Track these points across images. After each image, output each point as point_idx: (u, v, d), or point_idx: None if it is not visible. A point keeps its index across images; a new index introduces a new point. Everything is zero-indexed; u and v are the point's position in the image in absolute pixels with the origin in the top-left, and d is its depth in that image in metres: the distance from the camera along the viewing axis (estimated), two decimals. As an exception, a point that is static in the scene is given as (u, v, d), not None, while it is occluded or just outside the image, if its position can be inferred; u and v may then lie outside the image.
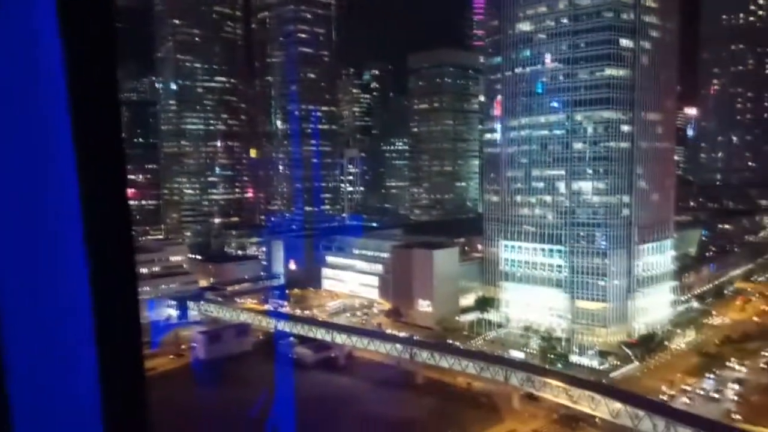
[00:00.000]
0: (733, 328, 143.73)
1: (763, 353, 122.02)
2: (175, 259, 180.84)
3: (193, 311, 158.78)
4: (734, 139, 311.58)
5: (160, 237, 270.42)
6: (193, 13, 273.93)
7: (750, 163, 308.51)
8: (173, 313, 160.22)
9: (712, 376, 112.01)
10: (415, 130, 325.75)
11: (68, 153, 4.04)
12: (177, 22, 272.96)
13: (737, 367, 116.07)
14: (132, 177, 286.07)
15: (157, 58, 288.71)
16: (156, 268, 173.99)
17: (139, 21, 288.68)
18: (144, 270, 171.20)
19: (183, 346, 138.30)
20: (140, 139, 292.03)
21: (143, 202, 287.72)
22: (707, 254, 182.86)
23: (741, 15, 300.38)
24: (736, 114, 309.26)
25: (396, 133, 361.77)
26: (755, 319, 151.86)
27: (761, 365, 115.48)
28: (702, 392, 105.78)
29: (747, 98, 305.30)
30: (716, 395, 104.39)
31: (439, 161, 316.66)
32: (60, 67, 3.93)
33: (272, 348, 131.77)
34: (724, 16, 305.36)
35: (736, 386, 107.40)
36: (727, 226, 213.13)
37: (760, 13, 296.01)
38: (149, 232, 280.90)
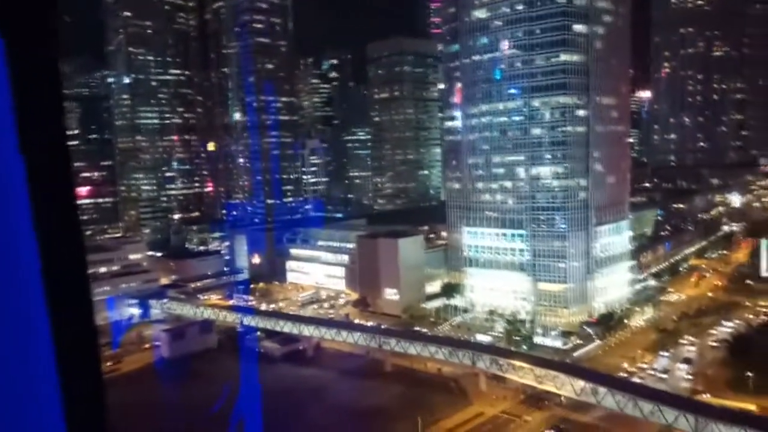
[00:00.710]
0: (688, 304, 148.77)
1: (718, 327, 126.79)
2: (134, 257, 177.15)
3: (155, 309, 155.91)
4: (686, 120, 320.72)
5: (118, 235, 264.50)
6: (145, 4, 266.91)
7: (701, 144, 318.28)
8: (134, 312, 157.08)
9: (670, 351, 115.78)
10: (377, 119, 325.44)
11: (14, 154, 3.91)
12: (128, 14, 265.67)
13: (694, 341, 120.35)
14: (86, 174, 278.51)
15: (108, 51, 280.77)
16: (115, 267, 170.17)
17: (89, 14, 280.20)
18: (102, 269, 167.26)
19: (146, 345, 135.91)
20: (94, 135, 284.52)
21: (99, 200, 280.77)
22: (662, 233, 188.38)
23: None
24: (687, 96, 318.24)
25: (357, 123, 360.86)
26: (709, 294, 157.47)
27: (713, 341, 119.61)
28: (661, 367, 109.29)
29: (697, 80, 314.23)
30: (674, 370, 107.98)
31: (402, 150, 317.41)
32: (2, 66, 3.82)
33: (238, 343, 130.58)
34: (673, 1, 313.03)
35: (693, 360, 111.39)
36: (680, 206, 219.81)
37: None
38: (107, 230, 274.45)
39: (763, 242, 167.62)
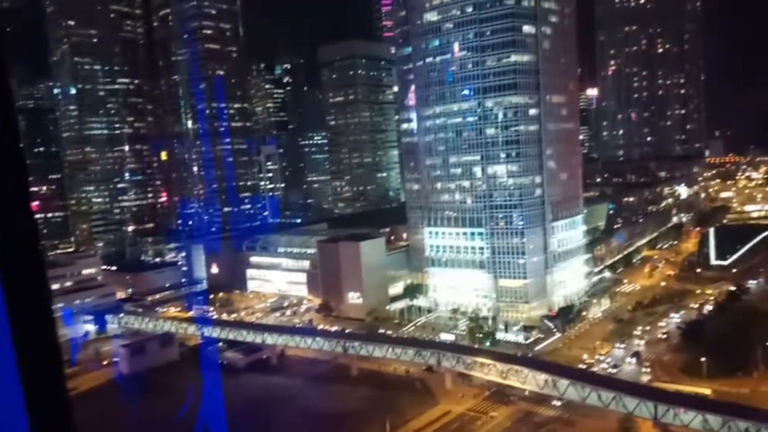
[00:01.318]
0: (642, 293, 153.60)
1: (666, 319, 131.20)
2: (88, 271, 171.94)
3: (113, 325, 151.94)
4: (632, 116, 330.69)
5: (71, 250, 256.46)
6: (89, 12, 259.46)
7: (648, 138, 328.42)
8: (91, 328, 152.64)
9: (626, 340, 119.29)
10: (333, 123, 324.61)
11: None
12: (71, 23, 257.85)
13: (648, 329, 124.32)
14: (34, 189, 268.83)
15: (52, 61, 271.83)
16: (68, 283, 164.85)
17: (30, 23, 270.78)
18: (56, 286, 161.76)
19: (104, 362, 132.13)
20: (40, 149, 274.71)
21: (49, 215, 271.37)
22: (615, 226, 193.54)
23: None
24: (632, 92, 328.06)
25: (313, 127, 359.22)
26: (662, 284, 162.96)
27: (664, 332, 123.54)
28: (619, 356, 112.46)
29: (642, 77, 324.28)
30: (631, 358, 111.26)
31: (359, 153, 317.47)
32: None
33: (200, 355, 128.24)
34: (616, 0, 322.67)
35: (642, 354, 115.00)
36: (631, 199, 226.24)
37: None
38: (58, 245, 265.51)
39: (711, 232, 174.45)
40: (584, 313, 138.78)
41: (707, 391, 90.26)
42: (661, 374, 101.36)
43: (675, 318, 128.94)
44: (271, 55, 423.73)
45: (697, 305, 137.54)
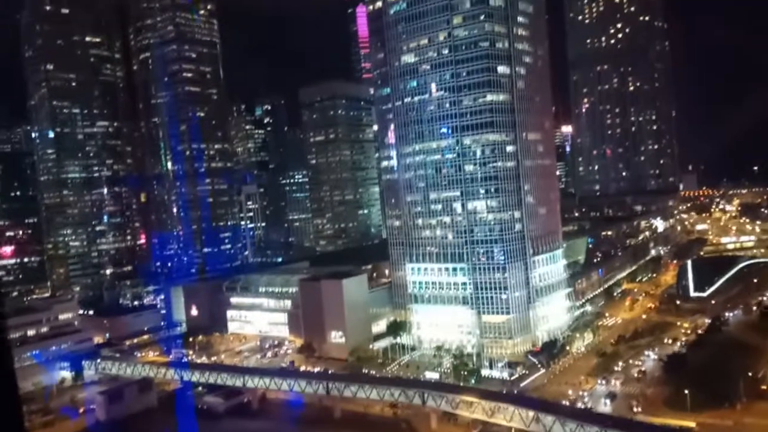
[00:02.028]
0: (624, 327, 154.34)
1: (655, 347, 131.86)
2: (64, 316, 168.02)
3: (90, 371, 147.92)
4: (607, 151, 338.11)
5: (47, 295, 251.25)
6: (68, 56, 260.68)
7: (624, 173, 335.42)
8: (67, 374, 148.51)
9: (610, 374, 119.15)
10: (313, 161, 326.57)
11: None
12: (50, 66, 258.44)
13: (632, 362, 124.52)
14: (10, 234, 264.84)
15: (30, 105, 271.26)
16: (44, 329, 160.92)
17: (7, 67, 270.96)
18: (31, 332, 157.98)
19: (81, 410, 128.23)
20: (17, 192, 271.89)
21: (25, 259, 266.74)
22: (595, 260, 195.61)
23: (603, 39, 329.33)
24: (606, 129, 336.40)
25: (294, 166, 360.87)
26: (643, 316, 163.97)
27: (646, 365, 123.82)
28: (603, 391, 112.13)
29: (615, 114, 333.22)
30: (616, 392, 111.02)
31: (340, 191, 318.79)
32: None
33: (179, 401, 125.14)
34: (588, 41, 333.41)
35: (632, 382, 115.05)
36: (609, 233, 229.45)
37: (619, 35, 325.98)
38: (34, 290, 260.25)
39: (689, 264, 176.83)
40: (568, 348, 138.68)
41: (692, 424, 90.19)
42: (646, 408, 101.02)
43: (657, 351, 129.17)
44: (252, 97, 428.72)
45: (677, 338, 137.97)
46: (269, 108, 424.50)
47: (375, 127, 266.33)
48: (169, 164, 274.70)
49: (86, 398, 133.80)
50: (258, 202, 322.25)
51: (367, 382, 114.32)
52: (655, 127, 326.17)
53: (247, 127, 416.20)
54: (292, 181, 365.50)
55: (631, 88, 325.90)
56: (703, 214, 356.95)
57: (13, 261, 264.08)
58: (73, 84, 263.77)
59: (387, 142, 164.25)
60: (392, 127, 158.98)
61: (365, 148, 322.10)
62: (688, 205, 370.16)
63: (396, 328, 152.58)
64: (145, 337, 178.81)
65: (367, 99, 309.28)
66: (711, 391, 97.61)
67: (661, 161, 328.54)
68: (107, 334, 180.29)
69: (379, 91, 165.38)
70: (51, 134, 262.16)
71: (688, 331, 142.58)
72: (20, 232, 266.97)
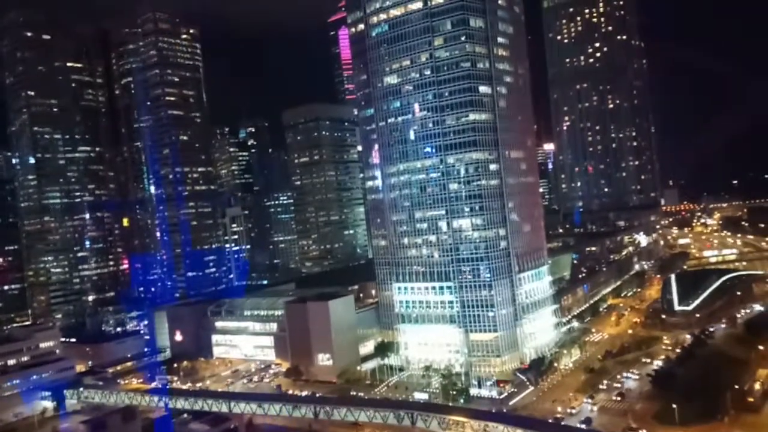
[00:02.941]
0: (611, 342, 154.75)
1: (643, 361, 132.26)
2: (46, 345, 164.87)
3: (72, 400, 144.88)
4: (589, 168, 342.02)
5: (28, 323, 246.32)
6: (49, 82, 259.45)
7: (606, 189, 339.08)
8: (49, 405, 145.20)
9: (598, 391, 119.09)
10: (298, 183, 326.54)
11: None
12: (31, 93, 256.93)
13: (619, 377, 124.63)
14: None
15: (11, 131, 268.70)
16: (25, 358, 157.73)
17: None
18: (11, 361, 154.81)
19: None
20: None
21: (5, 287, 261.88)
22: (580, 276, 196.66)
23: (582, 57, 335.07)
24: (587, 146, 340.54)
25: (279, 188, 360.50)
26: (629, 331, 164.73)
27: (634, 380, 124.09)
28: (592, 407, 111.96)
29: (596, 131, 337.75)
30: (605, 407, 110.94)
31: (325, 212, 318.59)
32: None
33: (164, 428, 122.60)
34: (567, 60, 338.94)
35: (620, 397, 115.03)
36: (593, 248, 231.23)
37: (598, 54, 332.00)
38: (14, 319, 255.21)
39: (672, 278, 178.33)
40: (555, 364, 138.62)
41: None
42: (635, 423, 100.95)
43: (637, 371, 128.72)
44: (236, 119, 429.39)
45: (658, 355, 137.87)
46: (253, 130, 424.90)
47: (359, 148, 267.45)
48: (152, 188, 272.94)
49: (68, 428, 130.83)
50: (242, 224, 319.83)
51: (355, 404, 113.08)
52: (635, 144, 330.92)
53: (231, 149, 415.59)
54: (276, 202, 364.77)
55: (611, 106, 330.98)
56: (685, 229, 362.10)
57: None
58: (55, 110, 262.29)
59: (371, 163, 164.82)
60: (376, 147, 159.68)
61: (350, 169, 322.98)
62: (670, 219, 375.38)
63: (384, 348, 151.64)
64: (129, 364, 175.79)
65: (350, 120, 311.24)
66: (699, 404, 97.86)
67: (642, 177, 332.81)
68: (90, 362, 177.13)
69: (363, 112, 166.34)
70: (32, 160, 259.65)
71: (670, 348, 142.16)
72: (0, 260, 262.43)
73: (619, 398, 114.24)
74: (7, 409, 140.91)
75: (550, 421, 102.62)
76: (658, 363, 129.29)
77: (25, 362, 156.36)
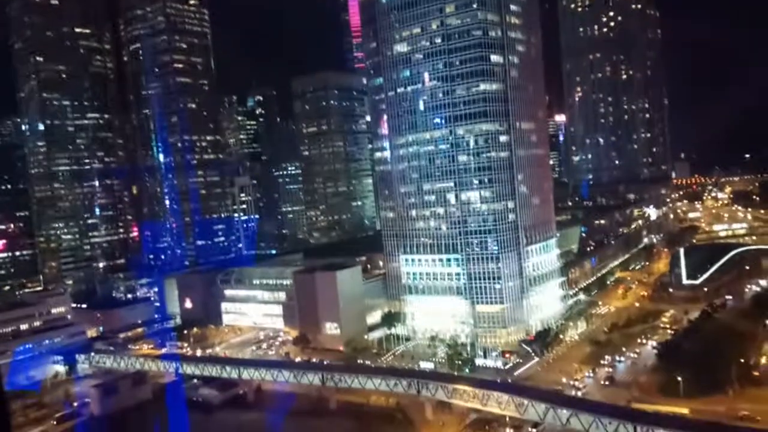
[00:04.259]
0: (618, 315, 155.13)
1: (648, 335, 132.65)
2: (57, 310, 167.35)
3: (84, 364, 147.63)
4: (600, 140, 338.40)
5: (39, 288, 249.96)
6: (58, 48, 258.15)
7: (616, 162, 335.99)
8: (61, 368, 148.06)
9: (603, 363, 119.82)
10: (306, 153, 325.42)
11: None
12: (40, 58, 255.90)
13: (624, 350, 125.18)
14: (1, 227, 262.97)
15: (20, 97, 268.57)
16: (37, 323, 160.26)
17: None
18: (24, 326, 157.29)
19: (75, 404, 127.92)
20: (7, 186, 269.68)
21: (16, 253, 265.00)
22: (588, 249, 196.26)
23: (595, 27, 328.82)
24: (599, 118, 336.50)
25: (287, 158, 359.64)
26: (636, 304, 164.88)
27: (639, 352, 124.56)
28: (596, 378, 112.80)
29: (608, 102, 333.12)
30: (609, 380, 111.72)
31: (333, 182, 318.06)
32: None
33: (174, 393, 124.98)
34: (580, 29, 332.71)
35: (626, 369, 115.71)
36: (602, 222, 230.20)
37: (612, 24, 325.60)
38: (26, 284, 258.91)
39: (681, 252, 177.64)
40: (561, 336, 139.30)
41: (685, 411, 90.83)
42: (639, 395, 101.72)
43: (650, 339, 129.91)
44: (244, 88, 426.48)
45: (670, 325, 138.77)
46: (261, 99, 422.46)
47: (368, 118, 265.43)
48: (161, 156, 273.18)
49: (80, 392, 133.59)
50: (251, 194, 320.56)
51: (362, 372, 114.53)
52: (647, 116, 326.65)
53: (239, 118, 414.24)
54: (285, 172, 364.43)
55: (624, 77, 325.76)
56: (696, 202, 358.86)
57: (4, 255, 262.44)
58: (63, 76, 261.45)
59: (380, 133, 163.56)
60: (385, 117, 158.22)
61: (358, 139, 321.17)
62: (681, 193, 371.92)
63: (390, 318, 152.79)
64: (139, 330, 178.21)
65: (359, 89, 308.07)
66: (704, 378, 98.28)
67: (654, 149, 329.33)
68: (101, 328, 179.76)
69: (372, 81, 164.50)
70: (41, 126, 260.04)
71: (668, 325, 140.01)
72: (11, 226, 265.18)
73: (607, 383, 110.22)
74: (20, 373, 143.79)
75: (554, 390, 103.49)
76: (652, 343, 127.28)
77: (37, 327, 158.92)
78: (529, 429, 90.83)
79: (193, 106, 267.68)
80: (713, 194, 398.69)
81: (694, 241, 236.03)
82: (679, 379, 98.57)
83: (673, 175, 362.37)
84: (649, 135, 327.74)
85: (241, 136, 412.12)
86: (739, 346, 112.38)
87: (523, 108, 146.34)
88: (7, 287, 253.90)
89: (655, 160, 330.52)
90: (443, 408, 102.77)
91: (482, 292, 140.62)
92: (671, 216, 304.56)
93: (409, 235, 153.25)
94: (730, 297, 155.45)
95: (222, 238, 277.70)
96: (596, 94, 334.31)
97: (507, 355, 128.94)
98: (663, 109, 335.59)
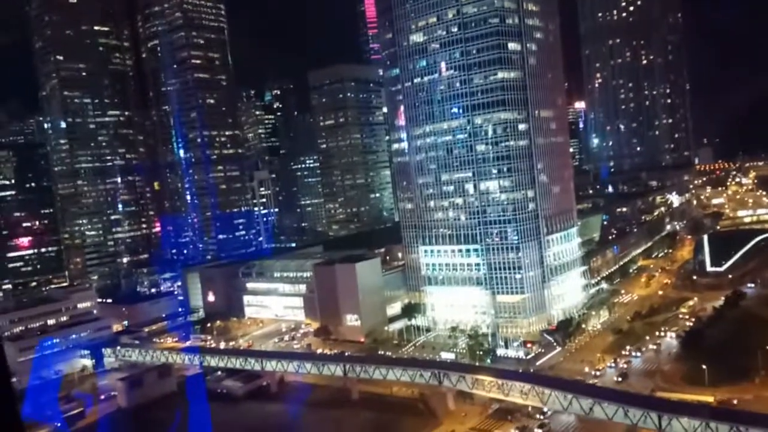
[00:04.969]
0: (640, 303, 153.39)
1: (671, 324, 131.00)
2: (83, 305, 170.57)
3: (110, 358, 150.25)
4: (621, 127, 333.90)
5: (65, 284, 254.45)
6: (77, 46, 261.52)
7: (638, 148, 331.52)
8: (87, 363, 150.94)
9: (627, 352, 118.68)
10: (324, 146, 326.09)
11: None
12: (60, 57, 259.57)
13: (648, 339, 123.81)
14: (26, 224, 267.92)
15: (42, 96, 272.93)
16: (63, 318, 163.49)
17: (18, 59, 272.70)
18: (51, 321, 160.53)
19: (102, 397, 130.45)
20: (32, 183, 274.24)
21: (42, 249, 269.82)
22: (610, 237, 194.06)
23: (615, 12, 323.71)
24: (620, 104, 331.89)
25: (305, 151, 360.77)
26: (659, 292, 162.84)
27: (664, 341, 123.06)
28: (620, 368, 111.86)
29: (628, 88, 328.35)
30: (633, 369, 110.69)
31: (351, 175, 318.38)
32: None
33: (198, 385, 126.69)
34: (599, 14, 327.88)
35: (649, 358, 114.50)
36: (624, 209, 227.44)
37: (631, 8, 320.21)
38: (52, 280, 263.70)
39: (705, 238, 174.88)
40: (584, 326, 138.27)
41: (710, 399, 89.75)
42: (664, 384, 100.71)
43: (669, 330, 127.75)
44: (261, 82, 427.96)
45: (689, 316, 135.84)
46: (278, 93, 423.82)
47: (385, 110, 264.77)
48: (181, 152, 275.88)
49: (107, 385, 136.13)
50: (270, 187, 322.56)
51: (383, 363, 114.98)
52: (669, 101, 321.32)
53: (257, 112, 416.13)
54: (303, 166, 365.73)
55: (645, 62, 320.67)
56: (719, 188, 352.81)
57: (30, 251, 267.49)
58: (83, 74, 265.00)
59: (397, 124, 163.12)
60: (402, 108, 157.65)
61: (375, 131, 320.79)
62: (704, 179, 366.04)
63: (411, 310, 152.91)
64: (163, 323, 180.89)
65: (376, 81, 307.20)
66: (729, 366, 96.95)
67: (676, 135, 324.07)
68: (125, 322, 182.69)
69: (388, 72, 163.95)
70: (63, 124, 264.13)
71: (687, 316, 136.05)
72: (36, 223, 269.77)
73: (620, 379, 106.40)
74: (48, 367, 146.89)
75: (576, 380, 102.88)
76: (671, 334, 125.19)
77: (63, 322, 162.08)
78: (535, 429, 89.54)
79: (212, 101, 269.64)
80: (737, 180, 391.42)
81: (718, 227, 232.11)
82: (704, 367, 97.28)
83: (696, 161, 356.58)
84: (670, 121, 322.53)
85: (260, 131, 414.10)
86: (764, 333, 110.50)
87: (541, 95, 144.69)
88: (33, 283, 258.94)
89: (678, 146, 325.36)
90: (465, 398, 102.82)
91: (503, 282, 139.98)
92: (694, 202, 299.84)
93: (427, 226, 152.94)
94: (752, 285, 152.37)
95: (242, 232, 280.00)
96: (616, 80, 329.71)
97: (529, 345, 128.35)
98: (685, 94, 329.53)
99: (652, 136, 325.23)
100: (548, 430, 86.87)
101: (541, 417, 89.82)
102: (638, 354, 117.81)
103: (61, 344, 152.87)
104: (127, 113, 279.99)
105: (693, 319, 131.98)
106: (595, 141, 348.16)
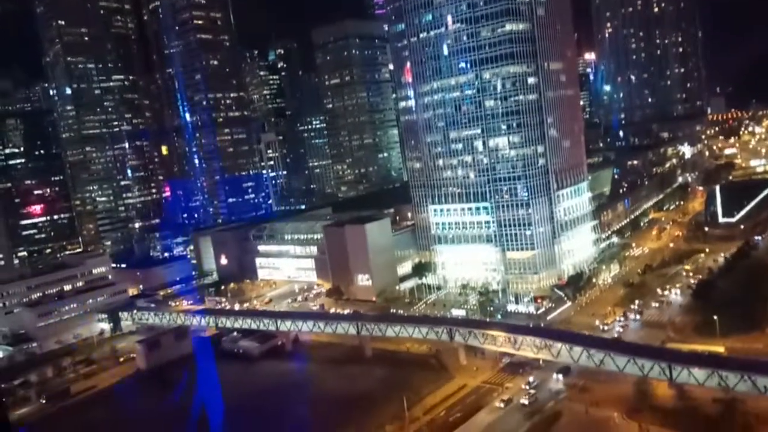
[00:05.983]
0: (652, 256, 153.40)
1: (682, 275, 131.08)
2: (98, 270, 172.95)
3: (127, 322, 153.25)
4: (632, 78, 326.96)
5: (79, 250, 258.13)
6: (78, 11, 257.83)
7: (649, 99, 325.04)
8: (105, 326, 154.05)
9: (637, 304, 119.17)
10: (330, 106, 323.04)
11: None
12: (62, 22, 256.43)
13: (660, 292, 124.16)
14: (37, 192, 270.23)
15: (46, 62, 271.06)
16: (80, 283, 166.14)
17: (19, 25, 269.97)
18: (67, 287, 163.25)
19: (121, 359, 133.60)
20: (41, 151, 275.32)
21: (54, 217, 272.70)
22: (620, 191, 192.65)
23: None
24: (631, 54, 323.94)
25: (311, 112, 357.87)
26: (671, 245, 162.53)
27: (674, 292, 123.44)
28: (632, 320, 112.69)
29: (639, 38, 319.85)
30: (645, 321, 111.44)
31: (359, 135, 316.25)
32: None
33: (215, 346, 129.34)
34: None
35: (660, 310, 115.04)
36: (635, 162, 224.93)
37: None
38: (66, 246, 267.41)
39: (717, 189, 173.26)
40: (594, 280, 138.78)
41: (721, 349, 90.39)
42: (674, 335, 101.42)
43: (685, 279, 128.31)
44: (264, 41, 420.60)
45: (693, 273, 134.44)
46: (282, 52, 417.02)
47: (391, 66, 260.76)
48: (187, 115, 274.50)
49: (125, 348, 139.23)
50: (278, 149, 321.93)
51: (395, 320, 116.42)
52: (680, 50, 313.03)
53: (261, 73, 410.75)
54: (310, 127, 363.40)
55: (656, 10, 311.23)
56: (732, 138, 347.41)
57: (43, 218, 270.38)
58: (86, 38, 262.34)
59: (404, 82, 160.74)
60: (408, 65, 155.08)
61: (382, 89, 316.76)
62: (716, 129, 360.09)
63: (421, 268, 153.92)
64: (178, 286, 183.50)
65: (381, 37, 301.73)
66: (740, 316, 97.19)
67: (688, 85, 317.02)
68: (141, 286, 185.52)
69: (394, 28, 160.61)
70: (68, 90, 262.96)
71: (691, 274, 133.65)
72: (48, 190, 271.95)
73: (621, 329, 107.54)
74: (68, 331, 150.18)
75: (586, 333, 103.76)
76: (676, 291, 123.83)
77: (80, 287, 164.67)
78: (521, 400, 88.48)
79: (215, 62, 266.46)
80: (750, 129, 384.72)
81: (731, 177, 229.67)
82: (715, 317, 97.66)
83: (709, 110, 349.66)
84: (682, 70, 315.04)
85: (265, 92, 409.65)
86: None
87: (551, 47, 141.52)
88: (48, 250, 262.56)
89: (690, 96, 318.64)
90: (476, 353, 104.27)
91: (513, 238, 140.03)
92: (706, 153, 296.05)
93: (437, 185, 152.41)
94: (760, 237, 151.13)
95: (251, 195, 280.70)
96: (627, 29, 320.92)
97: (539, 301, 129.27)
98: (697, 43, 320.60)
99: (663, 87, 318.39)
100: (535, 399, 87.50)
101: (527, 387, 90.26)
102: (650, 306, 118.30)
103: (79, 309, 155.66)
104: (131, 77, 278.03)
105: (692, 281, 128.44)
106: (606, 93, 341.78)
